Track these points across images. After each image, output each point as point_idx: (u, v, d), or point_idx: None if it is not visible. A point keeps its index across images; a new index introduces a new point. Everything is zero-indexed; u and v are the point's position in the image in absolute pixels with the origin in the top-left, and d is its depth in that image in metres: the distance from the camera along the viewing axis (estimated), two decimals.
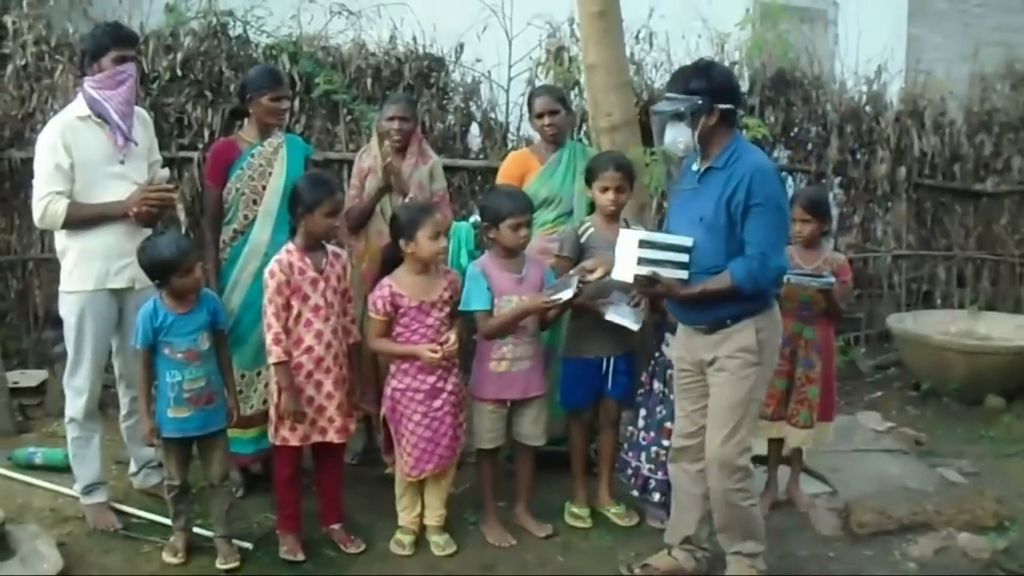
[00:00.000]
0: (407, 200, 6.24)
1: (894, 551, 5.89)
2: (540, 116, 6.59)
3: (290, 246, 5.47)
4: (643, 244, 4.95)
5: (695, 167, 5.07)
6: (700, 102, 4.83)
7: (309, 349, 5.41)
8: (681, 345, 5.29)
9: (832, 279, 5.99)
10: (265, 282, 5.40)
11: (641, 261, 4.93)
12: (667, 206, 5.45)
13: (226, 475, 5.56)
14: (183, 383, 5.26)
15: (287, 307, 5.39)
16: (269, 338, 5.39)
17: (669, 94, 5.00)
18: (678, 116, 4.89)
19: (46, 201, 5.53)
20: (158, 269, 5.21)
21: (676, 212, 5.25)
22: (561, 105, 6.62)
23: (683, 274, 4.98)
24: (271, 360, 5.39)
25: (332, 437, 5.51)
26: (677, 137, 4.93)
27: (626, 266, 5.00)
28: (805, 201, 6.19)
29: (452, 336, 5.49)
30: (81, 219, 5.58)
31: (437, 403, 5.53)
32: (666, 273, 4.95)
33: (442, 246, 5.56)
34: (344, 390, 5.53)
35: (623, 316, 5.75)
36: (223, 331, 5.52)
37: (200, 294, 5.39)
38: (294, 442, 5.49)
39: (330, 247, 5.61)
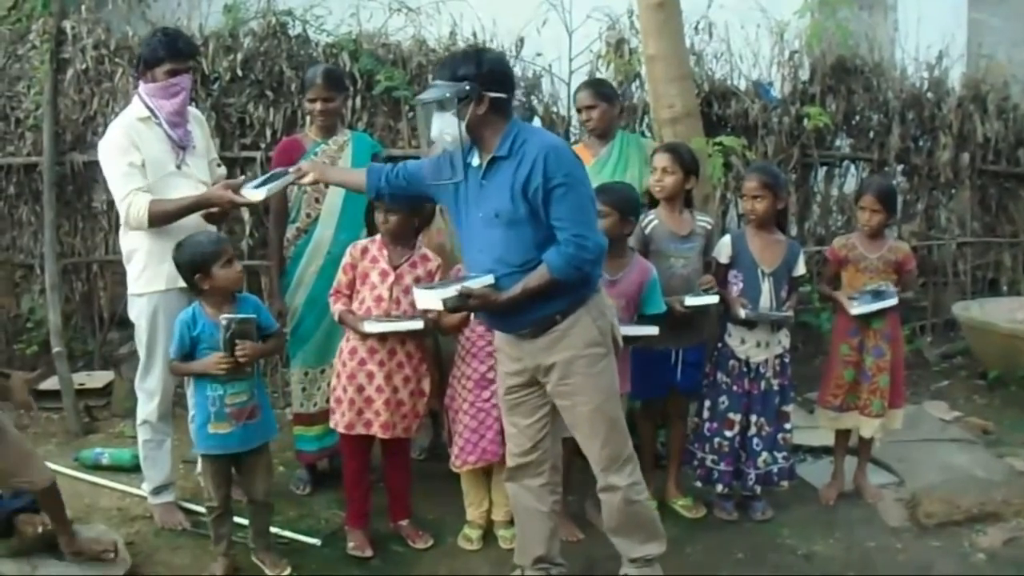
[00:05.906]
0: None
1: (963, 542, 5.85)
2: (580, 111, 6.63)
3: (378, 235, 5.53)
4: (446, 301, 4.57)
5: (475, 162, 4.68)
6: (468, 88, 4.46)
7: (364, 336, 5.42)
8: (506, 357, 4.95)
9: (894, 297, 6.02)
10: None
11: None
12: (453, 211, 4.94)
13: (268, 491, 5.39)
14: (224, 397, 5.03)
15: (351, 285, 5.48)
16: (331, 299, 5.55)
17: (435, 81, 4.65)
18: (444, 105, 4.51)
19: (129, 200, 5.46)
20: (197, 264, 5.00)
21: (466, 214, 4.78)
22: (601, 99, 6.51)
23: (488, 279, 4.62)
24: (336, 317, 5.51)
25: (376, 431, 5.48)
26: (444, 128, 4.53)
27: (431, 296, 4.65)
28: (877, 191, 6.14)
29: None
30: (165, 213, 5.48)
31: (486, 394, 5.51)
32: (472, 285, 4.59)
33: None
34: (404, 390, 5.51)
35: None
36: (269, 332, 5.25)
37: (238, 299, 5.17)
38: (341, 428, 5.52)
39: (425, 249, 5.62)
